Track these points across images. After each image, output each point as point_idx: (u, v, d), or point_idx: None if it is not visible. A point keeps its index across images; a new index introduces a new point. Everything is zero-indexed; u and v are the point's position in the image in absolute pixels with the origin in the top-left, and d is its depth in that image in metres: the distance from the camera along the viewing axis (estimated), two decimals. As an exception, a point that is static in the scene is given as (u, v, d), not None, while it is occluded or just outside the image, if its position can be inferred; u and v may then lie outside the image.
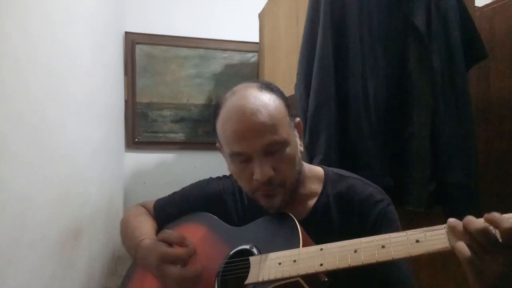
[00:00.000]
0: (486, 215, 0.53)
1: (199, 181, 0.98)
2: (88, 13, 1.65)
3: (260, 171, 0.72)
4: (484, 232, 0.52)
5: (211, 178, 0.98)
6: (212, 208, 0.91)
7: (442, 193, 1.30)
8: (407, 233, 0.60)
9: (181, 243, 0.77)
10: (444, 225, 0.57)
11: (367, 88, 1.26)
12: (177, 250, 0.75)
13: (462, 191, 1.29)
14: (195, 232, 0.88)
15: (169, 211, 0.96)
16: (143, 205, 1.00)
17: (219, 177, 0.98)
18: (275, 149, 0.74)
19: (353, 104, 1.27)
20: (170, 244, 0.77)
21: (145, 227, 0.91)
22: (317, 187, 0.86)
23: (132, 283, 0.90)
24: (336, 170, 0.91)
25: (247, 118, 0.72)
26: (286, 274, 0.66)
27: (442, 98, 1.30)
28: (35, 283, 1.04)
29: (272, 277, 0.67)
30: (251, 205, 0.87)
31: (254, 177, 0.74)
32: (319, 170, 0.90)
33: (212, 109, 0.82)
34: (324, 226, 0.82)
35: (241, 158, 0.75)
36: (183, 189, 0.99)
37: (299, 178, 0.82)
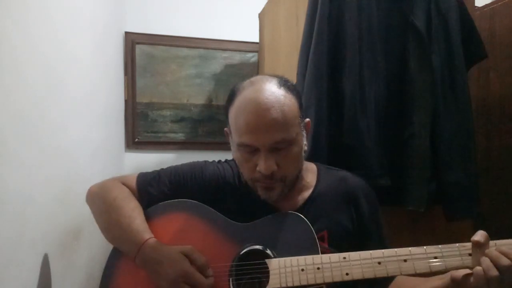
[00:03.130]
0: (499, 248, 0.63)
1: (194, 162, 0.94)
2: (88, 13, 1.65)
3: (265, 165, 0.74)
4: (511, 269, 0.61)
5: (207, 161, 0.94)
6: (210, 190, 0.88)
7: (442, 193, 1.29)
8: (425, 249, 0.64)
9: (204, 270, 0.73)
10: (457, 244, 0.64)
11: (365, 88, 1.26)
12: (202, 278, 0.72)
13: (462, 191, 1.28)
14: (190, 225, 0.84)
15: (159, 189, 0.89)
16: (123, 182, 0.93)
17: (215, 161, 0.95)
18: (282, 146, 0.76)
19: (349, 104, 1.26)
20: (191, 263, 0.74)
21: (141, 219, 0.84)
22: (311, 180, 0.90)
23: (121, 279, 0.84)
24: (326, 166, 0.97)
25: (260, 113, 0.73)
26: (312, 281, 0.66)
27: (442, 98, 1.30)
28: (35, 283, 1.04)
29: (296, 283, 0.67)
30: (250, 192, 0.86)
31: (258, 168, 0.76)
32: (312, 164, 0.95)
33: (229, 93, 0.83)
34: (320, 215, 0.85)
35: (247, 149, 0.77)
36: (173, 167, 0.92)
37: (299, 175, 0.85)
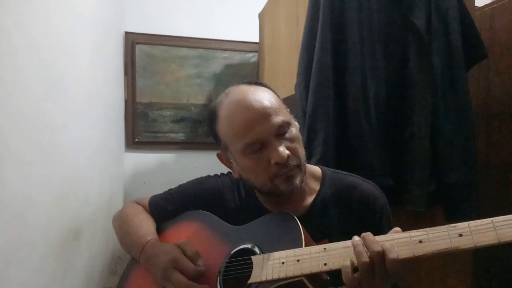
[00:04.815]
0: (381, 243, 0.60)
1: (197, 179, 0.98)
2: (88, 13, 1.65)
3: (278, 152, 0.73)
4: (380, 255, 0.59)
5: (209, 176, 0.98)
6: (210, 204, 0.91)
7: (442, 193, 1.30)
8: (409, 234, 0.60)
9: (194, 259, 0.77)
10: (446, 225, 0.58)
11: (366, 88, 1.26)
12: (190, 264, 0.76)
13: (462, 191, 1.29)
14: (195, 231, 0.88)
15: (165, 208, 0.95)
16: (138, 202, 1.00)
17: (217, 174, 0.98)
18: (284, 130, 0.76)
19: (352, 104, 1.27)
20: (184, 253, 0.78)
21: (148, 226, 0.91)
22: (315, 185, 0.88)
23: (131, 282, 0.90)
24: (333, 169, 0.93)
25: (254, 106, 0.75)
26: (290, 274, 0.66)
27: (442, 98, 1.31)
28: (35, 283, 1.04)
29: (275, 276, 0.67)
30: (249, 201, 0.88)
31: (273, 160, 0.74)
32: (316, 169, 0.91)
33: (207, 116, 0.84)
34: (322, 223, 0.83)
35: (255, 147, 0.75)
36: (180, 186, 0.98)
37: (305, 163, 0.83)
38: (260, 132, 0.74)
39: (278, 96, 0.82)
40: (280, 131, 0.75)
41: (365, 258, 0.59)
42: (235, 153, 0.78)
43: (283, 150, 0.74)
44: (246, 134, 0.74)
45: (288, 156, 0.74)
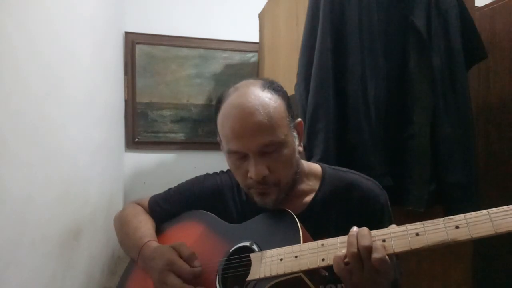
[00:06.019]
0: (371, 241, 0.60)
1: (196, 177, 0.98)
2: (88, 13, 1.66)
3: (255, 170, 0.73)
4: (368, 250, 0.59)
5: (208, 174, 0.98)
6: (210, 203, 0.91)
7: (442, 193, 1.30)
8: (406, 227, 0.60)
9: (190, 261, 0.76)
10: (443, 218, 0.58)
11: (366, 88, 1.26)
12: (186, 266, 0.75)
13: (462, 191, 1.29)
14: (193, 231, 0.88)
15: (165, 207, 0.95)
16: (138, 203, 0.99)
17: (216, 172, 0.98)
18: (271, 149, 0.74)
19: (352, 104, 1.27)
20: (180, 255, 0.77)
21: (147, 228, 0.90)
22: (314, 184, 0.87)
23: (131, 282, 0.90)
24: (333, 167, 0.92)
25: (244, 117, 0.73)
26: (288, 270, 0.66)
27: (442, 98, 1.30)
28: (35, 283, 1.04)
29: (274, 273, 0.67)
30: (249, 199, 0.87)
31: (249, 175, 0.75)
32: (316, 167, 0.91)
33: (216, 101, 0.83)
34: (321, 221, 0.83)
35: (237, 156, 0.76)
36: (179, 185, 0.98)
37: (296, 178, 0.82)
38: (243, 145, 0.73)
39: (287, 107, 0.78)
40: (265, 150, 0.74)
41: (354, 248, 0.60)
42: (224, 149, 0.80)
43: (259, 169, 0.73)
44: (230, 141, 0.75)
45: (265, 176, 0.74)
